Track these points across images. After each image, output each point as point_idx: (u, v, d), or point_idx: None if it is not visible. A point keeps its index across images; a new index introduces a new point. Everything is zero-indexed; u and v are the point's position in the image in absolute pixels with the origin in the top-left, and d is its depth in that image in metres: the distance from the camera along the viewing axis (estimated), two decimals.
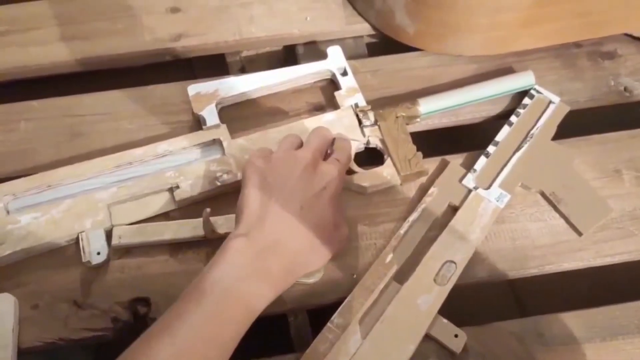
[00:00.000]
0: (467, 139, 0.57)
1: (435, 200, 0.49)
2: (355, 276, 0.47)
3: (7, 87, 0.58)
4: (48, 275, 0.46)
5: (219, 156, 0.49)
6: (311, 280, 0.46)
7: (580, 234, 0.49)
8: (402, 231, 0.48)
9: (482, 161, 0.51)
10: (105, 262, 0.46)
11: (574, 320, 0.46)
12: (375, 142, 0.51)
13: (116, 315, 0.44)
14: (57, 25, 0.59)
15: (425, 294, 0.45)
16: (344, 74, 0.54)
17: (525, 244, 0.49)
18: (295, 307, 0.46)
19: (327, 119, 0.52)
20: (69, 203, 0.47)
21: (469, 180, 0.50)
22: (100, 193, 0.47)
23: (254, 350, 0.45)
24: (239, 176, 0.49)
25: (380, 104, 0.53)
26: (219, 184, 0.48)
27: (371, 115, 0.51)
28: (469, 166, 0.51)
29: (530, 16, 0.53)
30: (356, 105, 0.52)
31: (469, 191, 0.49)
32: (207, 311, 0.37)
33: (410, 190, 0.51)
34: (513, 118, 0.53)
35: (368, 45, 0.61)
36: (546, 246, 0.48)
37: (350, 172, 0.50)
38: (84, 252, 0.45)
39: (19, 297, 0.45)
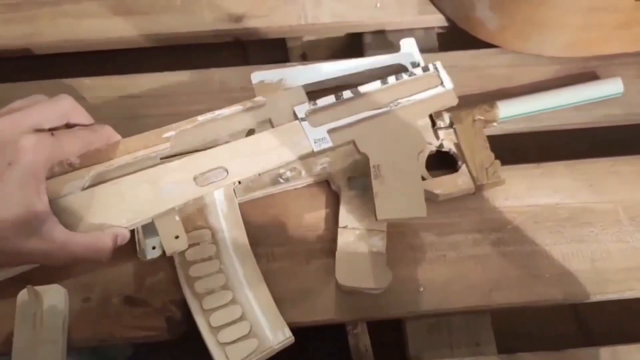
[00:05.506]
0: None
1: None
2: (422, 290, 0.44)
3: (55, 59, 0.55)
4: (100, 268, 0.44)
5: None
6: (376, 291, 0.43)
7: None
8: None
9: (329, 99, 0.45)
10: (160, 257, 0.43)
11: None
12: (449, 146, 0.47)
13: (170, 315, 0.42)
14: None
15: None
16: None
17: (605, 266, 0.45)
18: (358, 318, 0.44)
19: None
20: None
21: (302, 110, 0.44)
22: None
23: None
24: (304, 175, 0.46)
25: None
26: (282, 181, 0.45)
27: (446, 116, 0.48)
28: None
29: (627, 18, 0.49)
30: None
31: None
32: None
33: (482, 199, 0.47)
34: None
35: (438, 37, 0.57)
36: (628, 270, 0.45)
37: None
38: (138, 245, 0.43)
39: (69, 289, 0.42)
